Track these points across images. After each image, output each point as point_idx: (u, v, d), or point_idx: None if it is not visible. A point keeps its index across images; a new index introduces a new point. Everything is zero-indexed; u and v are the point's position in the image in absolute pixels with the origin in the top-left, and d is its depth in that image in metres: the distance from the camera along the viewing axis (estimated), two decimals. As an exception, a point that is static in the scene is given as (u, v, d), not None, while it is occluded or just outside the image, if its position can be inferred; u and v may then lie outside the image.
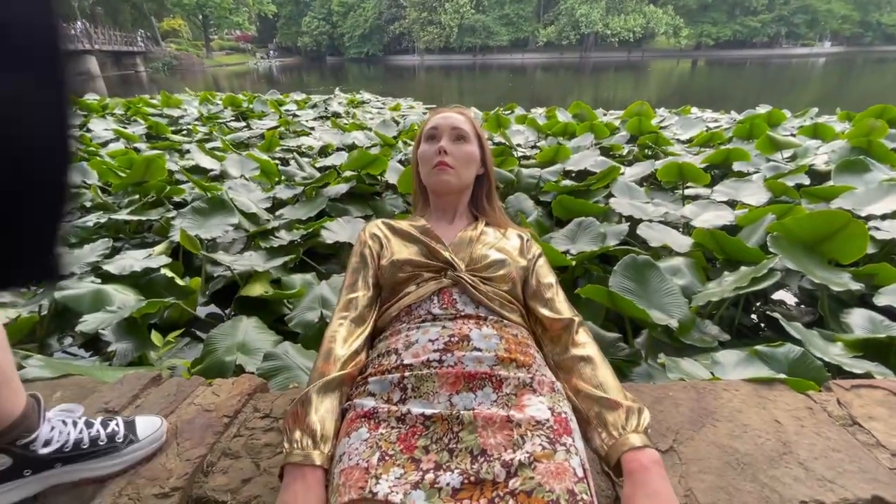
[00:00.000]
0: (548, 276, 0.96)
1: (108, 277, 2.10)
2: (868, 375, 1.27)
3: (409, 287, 0.88)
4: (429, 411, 0.68)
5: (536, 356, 0.81)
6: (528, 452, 0.62)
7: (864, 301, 1.98)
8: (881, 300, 1.73)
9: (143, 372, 1.07)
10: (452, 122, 1.01)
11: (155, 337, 1.46)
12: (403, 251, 0.92)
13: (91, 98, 8.52)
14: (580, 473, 0.61)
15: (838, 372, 1.47)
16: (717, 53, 43.80)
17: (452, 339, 0.77)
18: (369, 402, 0.72)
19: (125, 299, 1.92)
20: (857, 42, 45.21)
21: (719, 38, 44.40)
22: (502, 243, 0.97)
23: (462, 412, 0.68)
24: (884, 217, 2.28)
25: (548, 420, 0.67)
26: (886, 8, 41.63)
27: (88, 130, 5.83)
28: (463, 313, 0.82)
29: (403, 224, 1.01)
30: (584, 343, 0.83)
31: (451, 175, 0.97)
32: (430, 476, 0.61)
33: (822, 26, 42.97)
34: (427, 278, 0.88)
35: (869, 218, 2.28)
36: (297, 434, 0.70)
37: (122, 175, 3.39)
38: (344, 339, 0.82)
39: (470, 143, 1.01)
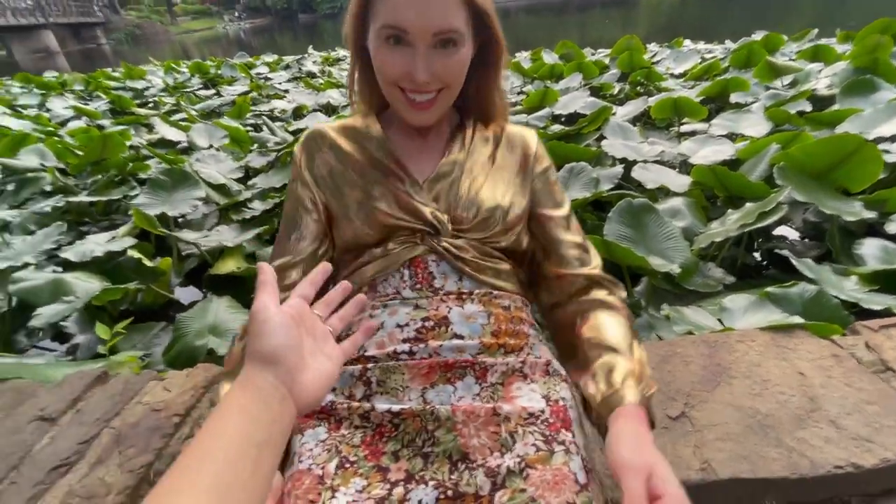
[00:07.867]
0: (559, 207, 0.73)
1: (69, 265, 1.96)
2: (889, 311, 1.17)
3: (370, 252, 0.66)
4: (397, 407, 0.56)
5: (530, 332, 0.65)
6: (518, 456, 0.51)
7: (873, 230, 1.88)
8: (894, 228, 1.62)
9: (87, 370, 0.95)
10: (434, 25, 0.56)
11: (100, 329, 1.32)
12: (361, 196, 0.66)
13: (49, 76, 8.03)
14: (582, 479, 0.50)
15: (851, 307, 1.37)
16: (708, -19, 41.77)
17: (427, 323, 0.60)
18: (328, 396, 0.59)
19: (89, 287, 1.78)
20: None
21: (710, -36, 42.22)
22: (499, 162, 0.71)
23: (438, 407, 0.55)
24: (893, 139, 2.14)
25: (542, 412, 0.55)
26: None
27: (47, 110, 5.49)
28: (442, 290, 0.63)
29: (352, 141, 0.70)
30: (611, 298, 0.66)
31: (435, 110, 0.63)
32: (398, 490, 0.50)
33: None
34: (396, 241, 0.65)
35: (878, 140, 2.14)
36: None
37: (81, 154, 3.17)
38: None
39: (463, 44, 0.60)
